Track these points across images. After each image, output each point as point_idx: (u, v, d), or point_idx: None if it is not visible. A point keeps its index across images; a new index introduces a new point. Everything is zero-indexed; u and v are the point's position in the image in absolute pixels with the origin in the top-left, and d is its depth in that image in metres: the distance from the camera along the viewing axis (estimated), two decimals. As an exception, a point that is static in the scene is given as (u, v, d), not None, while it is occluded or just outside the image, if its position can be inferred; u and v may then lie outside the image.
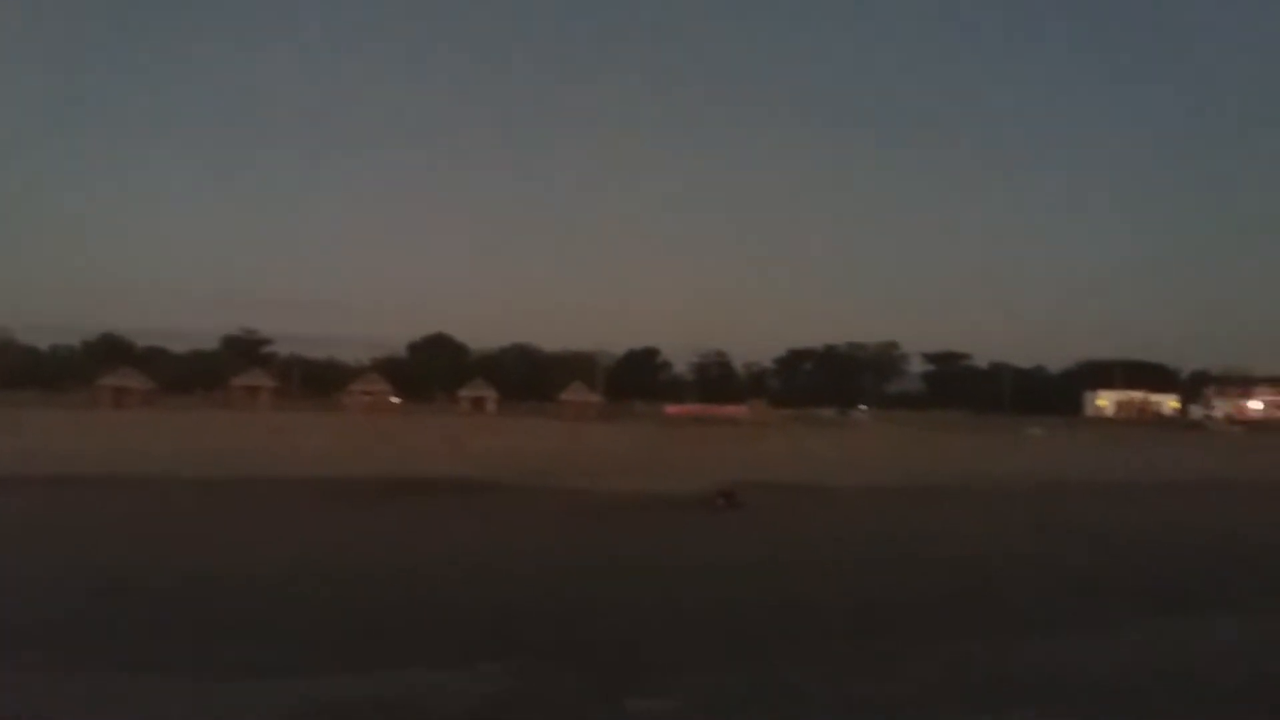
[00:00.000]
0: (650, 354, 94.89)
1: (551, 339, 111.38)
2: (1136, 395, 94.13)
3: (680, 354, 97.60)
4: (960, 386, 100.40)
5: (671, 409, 66.72)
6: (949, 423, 63.25)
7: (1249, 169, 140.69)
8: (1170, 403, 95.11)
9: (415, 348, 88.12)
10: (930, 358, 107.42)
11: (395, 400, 67.85)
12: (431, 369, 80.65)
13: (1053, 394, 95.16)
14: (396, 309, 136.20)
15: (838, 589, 8.63)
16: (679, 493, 16.57)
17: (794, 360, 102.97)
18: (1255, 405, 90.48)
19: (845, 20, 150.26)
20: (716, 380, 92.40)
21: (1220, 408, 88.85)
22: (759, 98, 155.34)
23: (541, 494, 16.49)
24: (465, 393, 68.80)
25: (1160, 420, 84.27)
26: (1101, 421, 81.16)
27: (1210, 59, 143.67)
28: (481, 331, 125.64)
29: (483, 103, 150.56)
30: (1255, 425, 77.23)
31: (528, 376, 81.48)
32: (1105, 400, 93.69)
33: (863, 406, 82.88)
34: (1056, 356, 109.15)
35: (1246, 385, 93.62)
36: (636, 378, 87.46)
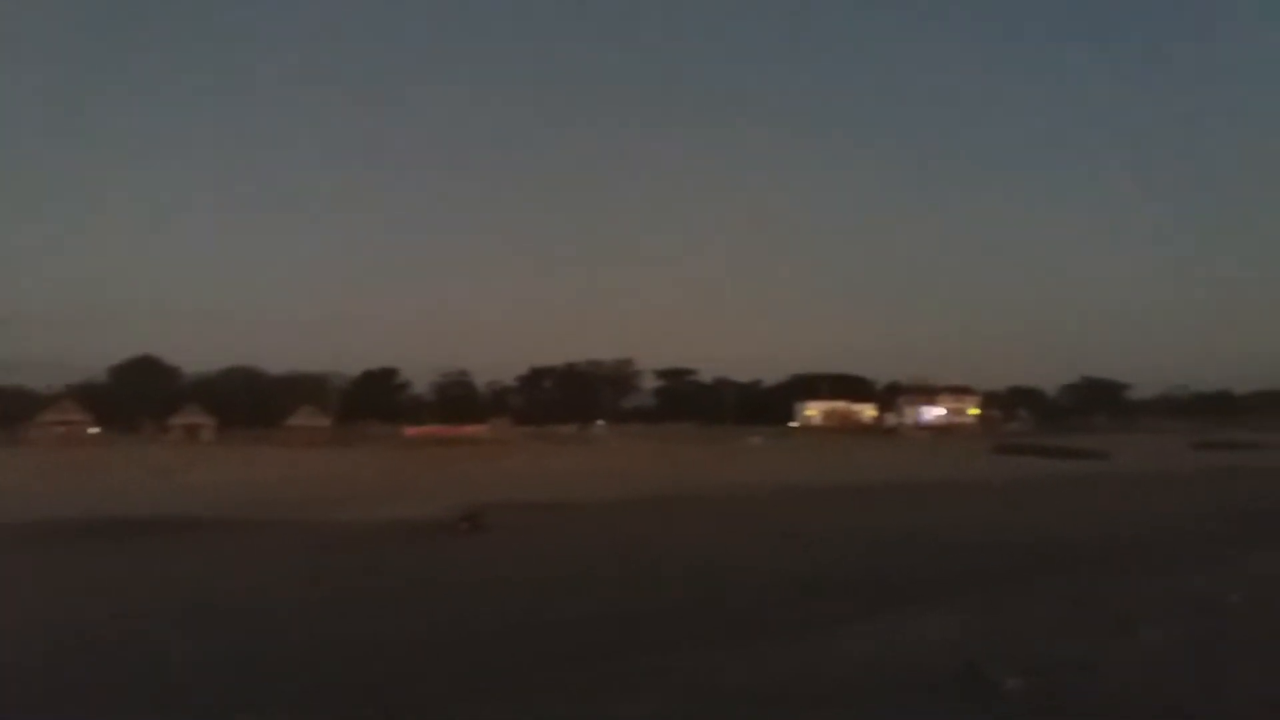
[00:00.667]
0: (388, 374, 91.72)
1: (279, 360, 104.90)
2: (840, 405, 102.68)
3: (421, 373, 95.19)
4: (688, 401, 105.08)
5: (411, 430, 64.72)
6: (679, 435, 65.89)
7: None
8: (869, 411, 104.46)
9: (117, 371, 79.74)
10: (661, 374, 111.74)
11: (94, 431, 61.00)
12: (137, 395, 73.23)
13: (769, 405, 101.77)
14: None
15: (583, 606, 8.58)
16: (419, 518, 15.98)
17: (535, 378, 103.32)
18: (938, 412, 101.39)
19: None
20: (458, 400, 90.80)
21: (909, 415, 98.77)
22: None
23: (264, 528, 15.26)
24: (177, 420, 63.03)
25: (860, 427, 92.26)
26: (811, 430, 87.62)
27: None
28: (200, 353, 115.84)
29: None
30: (938, 430, 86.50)
31: (251, 401, 76.00)
32: (814, 410, 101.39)
33: (600, 422, 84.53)
34: (772, 371, 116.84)
35: (931, 394, 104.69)
36: (373, 399, 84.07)
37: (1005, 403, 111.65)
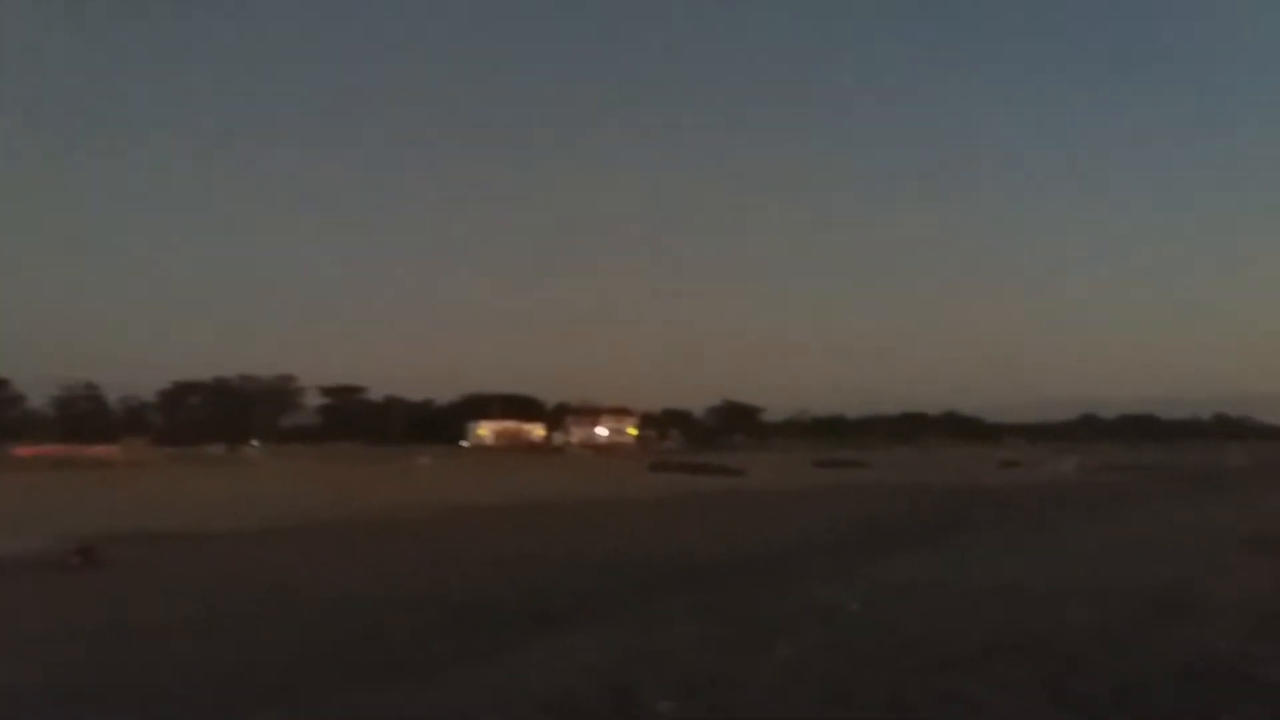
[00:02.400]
0: (-7, 385, 79.08)
1: None
2: (510, 425, 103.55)
3: (37, 385, 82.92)
4: (355, 420, 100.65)
5: (22, 450, 56.11)
6: (343, 455, 62.75)
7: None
8: (538, 431, 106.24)
9: None
10: (327, 391, 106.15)
11: None
12: None
13: (440, 425, 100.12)
14: None
15: (211, 651, 7.52)
16: (21, 553, 13.54)
17: (179, 394, 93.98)
18: (602, 431, 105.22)
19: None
20: (84, 416, 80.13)
21: (576, 434, 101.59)
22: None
23: None
24: None
25: (530, 446, 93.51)
26: (482, 450, 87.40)
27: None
28: None
29: None
30: (602, 449, 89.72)
31: None
32: (485, 430, 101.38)
33: (255, 442, 78.54)
34: (444, 390, 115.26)
35: (595, 415, 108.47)
36: (-28, 414, 72.05)
37: (660, 423, 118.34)
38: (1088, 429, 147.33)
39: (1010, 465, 54.93)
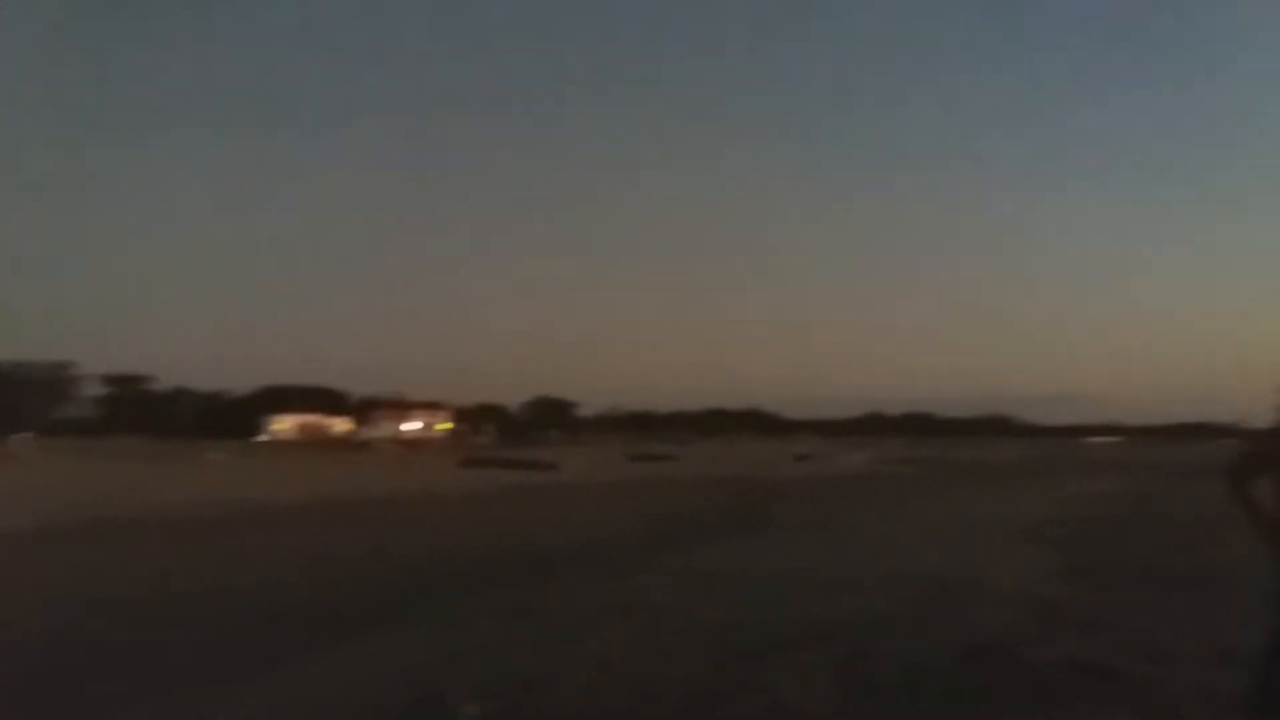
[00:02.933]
0: None
1: None
2: (312, 419, 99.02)
3: None
4: (140, 411, 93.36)
5: None
6: (125, 450, 57.99)
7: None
8: (342, 425, 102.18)
9: None
10: (109, 380, 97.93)
11: None
12: None
13: (235, 418, 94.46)
14: None
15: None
16: None
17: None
18: (411, 427, 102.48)
19: None
20: None
21: (384, 429, 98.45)
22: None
23: None
24: None
25: (334, 442, 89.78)
26: (281, 445, 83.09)
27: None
28: None
29: None
30: (411, 445, 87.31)
31: None
32: (284, 424, 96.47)
33: (26, 434, 71.27)
34: (240, 380, 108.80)
35: (404, 409, 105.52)
36: None
37: (473, 418, 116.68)
38: (874, 425, 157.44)
39: (804, 459, 57.91)
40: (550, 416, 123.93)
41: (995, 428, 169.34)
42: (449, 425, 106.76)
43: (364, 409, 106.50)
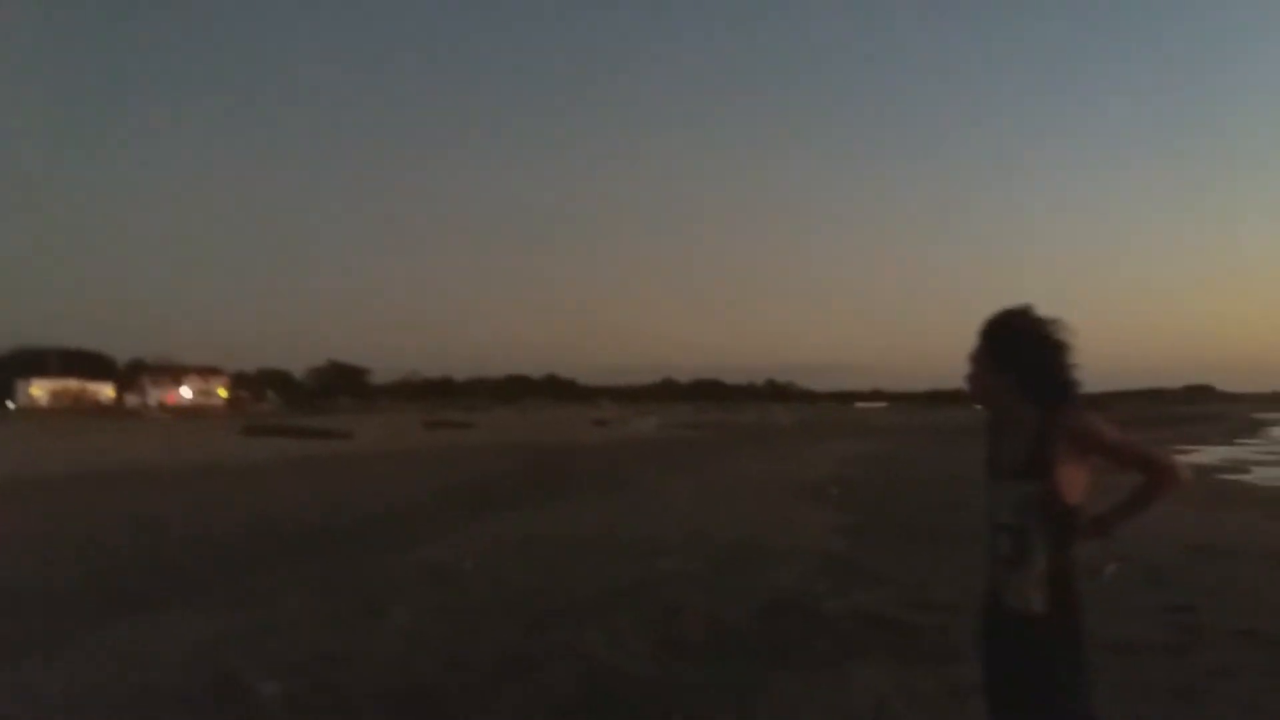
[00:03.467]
0: None
1: None
2: (74, 384, 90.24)
3: None
4: None
5: None
6: None
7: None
8: (108, 391, 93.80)
9: None
10: None
11: None
12: None
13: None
14: None
15: None
16: None
17: None
18: (186, 392, 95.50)
19: None
20: None
21: (155, 395, 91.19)
22: None
23: None
24: None
25: (99, 409, 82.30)
26: (36, 412, 75.36)
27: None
28: None
29: None
30: (186, 411, 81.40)
31: None
32: (40, 389, 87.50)
33: None
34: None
35: (178, 374, 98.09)
36: None
37: (255, 384, 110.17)
38: (668, 391, 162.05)
39: (601, 424, 58.77)
40: (341, 383, 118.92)
41: (775, 394, 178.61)
42: (227, 392, 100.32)
43: (132, 373, 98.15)
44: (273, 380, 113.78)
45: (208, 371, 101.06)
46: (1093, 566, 8.20)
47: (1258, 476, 23.12)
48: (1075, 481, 2.48)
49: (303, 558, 9.49)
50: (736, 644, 5.92)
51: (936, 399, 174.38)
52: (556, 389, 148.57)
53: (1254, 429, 64.90)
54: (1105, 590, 7.42)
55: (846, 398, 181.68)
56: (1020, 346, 2.54)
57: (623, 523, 12.24)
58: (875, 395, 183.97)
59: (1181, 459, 2.61)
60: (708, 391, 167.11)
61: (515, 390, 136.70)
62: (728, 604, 6.84)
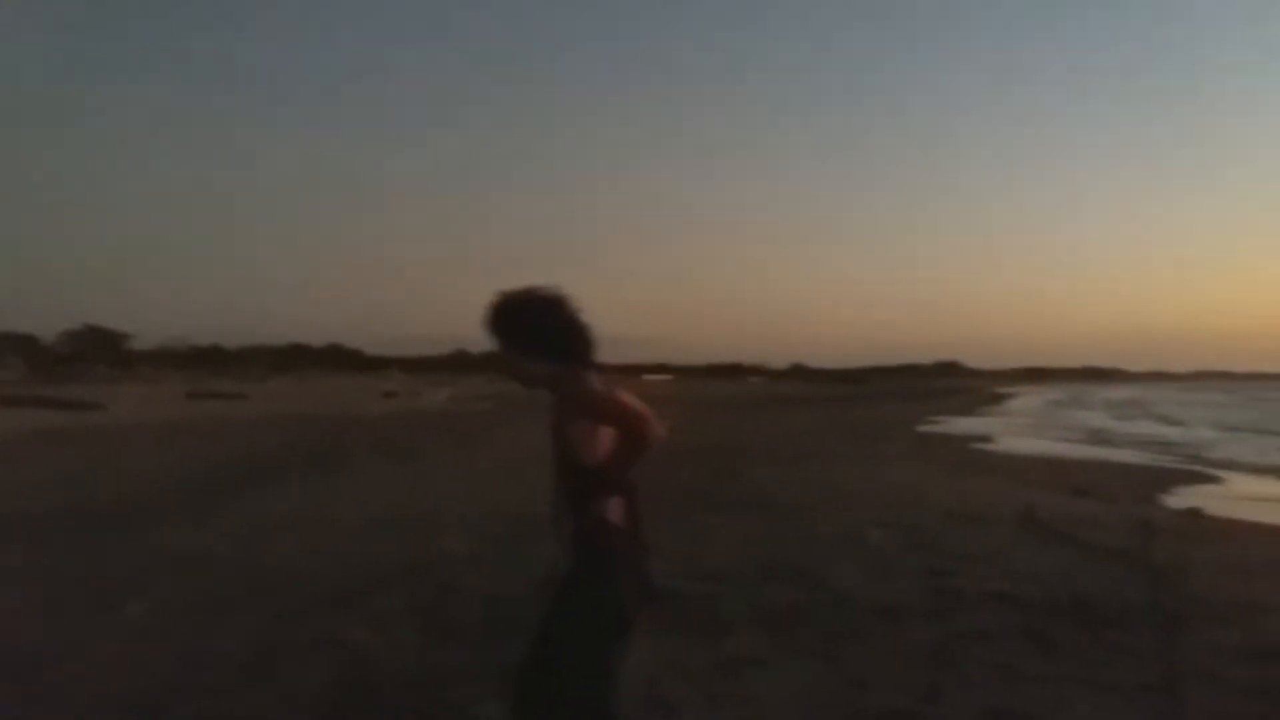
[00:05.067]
0: None
1: None
2: None
3: None
4: None
5: None
6: None
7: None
8: None
9: None
10: None
11: None
12: None
13: None
14: None
15: None
16: None
17: None
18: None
19: None
20: None
21: None
22: None
23: None
24: None
25: None
26: None
27: None
28: None
29: None
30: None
31: None
32: None
33: None
34: None
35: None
36: None
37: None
38: (459, 362, 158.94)
39: (390, 396, 56.80)
40: (98, 349, 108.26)
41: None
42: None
43: None
44: (15, 345, 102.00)
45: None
46: (858, 532, 8.57)
47: (1001, 445, 25.44)
48: (590, 443, 2.56)
49: (32, 544, 8.33)
50: (511, 625, 5.62)
51: (716, 372, 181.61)
52: (341, 359, 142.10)
53: (996, 402, 71.90)
54: (871, 554, 7.73)
55: (632, 370, 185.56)
56: (534, 323, 2.64)
57: (403, 499, 11.65)
58: (661, 368, 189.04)
59: (656, 419, 2.63)
60: (500, 363, 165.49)
61: (295, 360, 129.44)
62: (505, 582, 6.53)
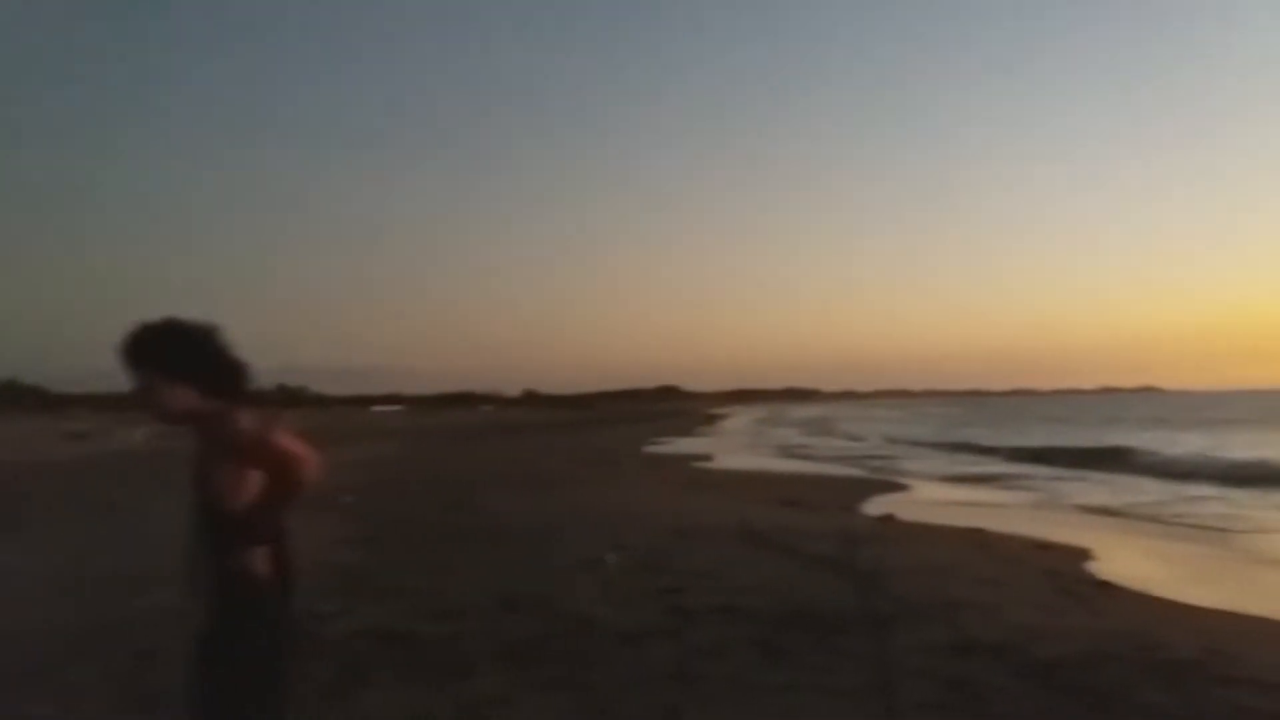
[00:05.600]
0: None
1: None
2: None
3: None
4: None
5: None
6: None
7: None
8: None
9: None
10: None
11: None
12: None
13: None
14: None
15: None
16: None
17: None
18: None
19: None
20: None
21: None
22: None
23: None
24: None
25: None
26: None
27: None
28: None
29: None
30: None
31: None
32: None
33: None
34: None
35: None
36: None
37: None
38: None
39: (79, 437, 50.54)
40: None
41: (288, 398, 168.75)
42: None
43: None
44: None
45: None
46: (595, 557, 8.60)
47: (718, 463, 26.84)
48: (236, 487, 2.36)
49: None
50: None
51: (449, 401, 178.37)
52: (18, 396, 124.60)
53: (711, 423, 76.10)
54: (610, 579, 7.77)
55: (363, 401, 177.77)
56: (178, 352, 2.40)
57: (97, 556, 10.23)
58: (392, 399, 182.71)
59: (313, 452, 2.49)
60: (140, 398, 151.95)
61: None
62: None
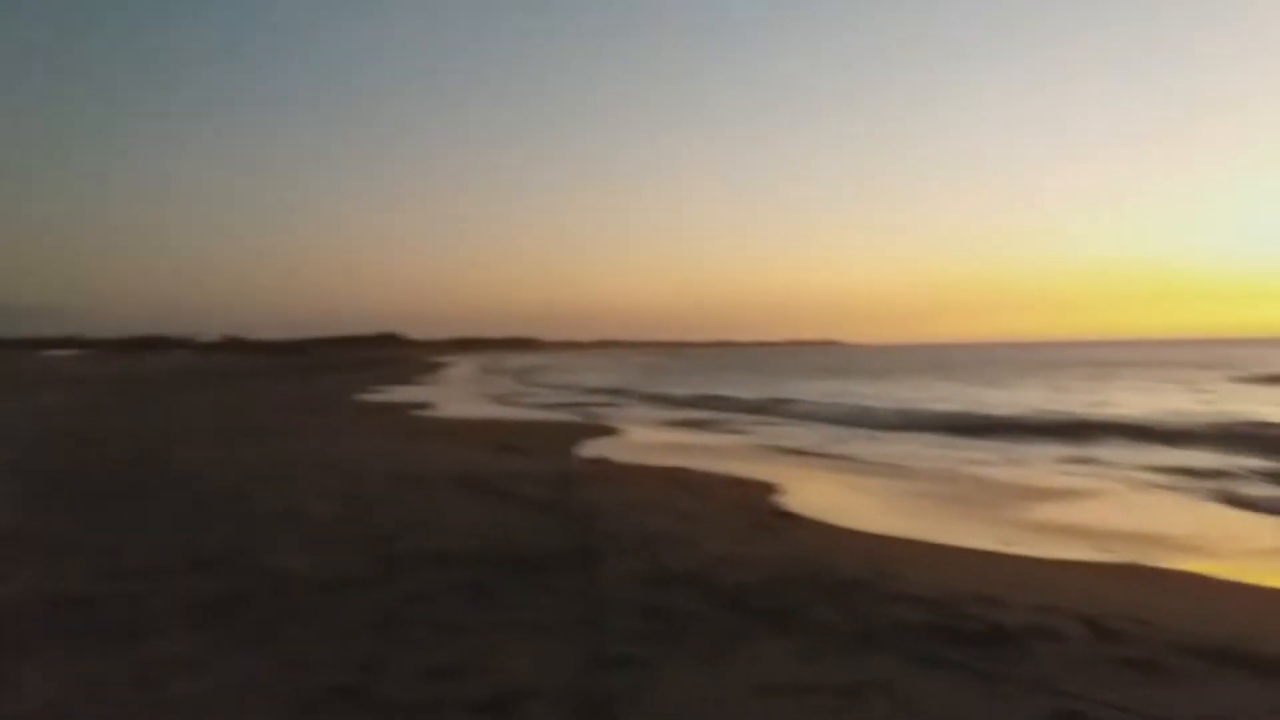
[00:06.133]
0: None
1: None
2: None
3: None
4: None
5: None
6: None
7: None
8: None
9: None
10: None
11: None
12: None
13: None
14: None
15: None
16: None
17: None
18: None
19: None
20: None
21: None
22: None
23: None
24: None
25: None
26: None
27: None
28: None
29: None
30: None
31: None
32: None
33: None
34: None
35: None
36: None
37: None
38: None
39: None
40: None
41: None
42: None
43: None
44: None
45: None
46: (300, 507, 8.12)
47: (437, 411, 26.33)
48: None
49: None
50: None
51: (139, 345, 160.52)
52: None
53: (433, 371, 74.60)
54: (314, 529, 7.36)
55: (31, 345, 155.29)
56: None
57: None
58: (69, 342, 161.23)
59: None
60: None
61: None
62: None
